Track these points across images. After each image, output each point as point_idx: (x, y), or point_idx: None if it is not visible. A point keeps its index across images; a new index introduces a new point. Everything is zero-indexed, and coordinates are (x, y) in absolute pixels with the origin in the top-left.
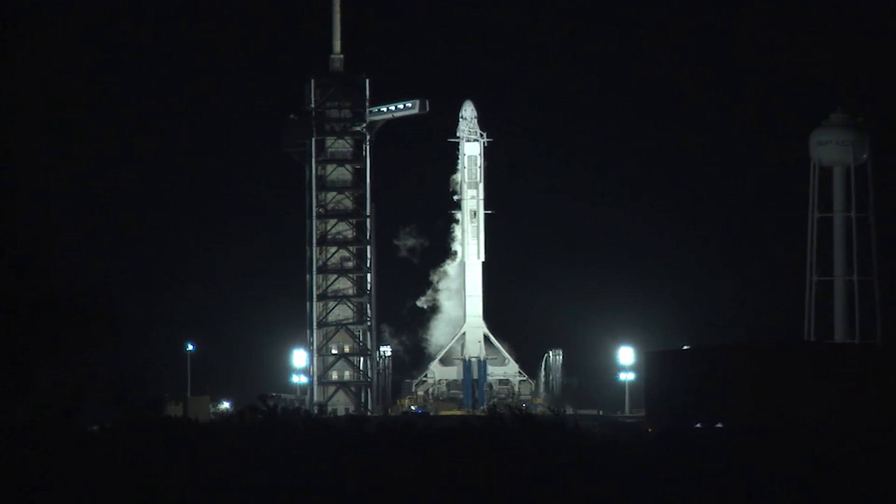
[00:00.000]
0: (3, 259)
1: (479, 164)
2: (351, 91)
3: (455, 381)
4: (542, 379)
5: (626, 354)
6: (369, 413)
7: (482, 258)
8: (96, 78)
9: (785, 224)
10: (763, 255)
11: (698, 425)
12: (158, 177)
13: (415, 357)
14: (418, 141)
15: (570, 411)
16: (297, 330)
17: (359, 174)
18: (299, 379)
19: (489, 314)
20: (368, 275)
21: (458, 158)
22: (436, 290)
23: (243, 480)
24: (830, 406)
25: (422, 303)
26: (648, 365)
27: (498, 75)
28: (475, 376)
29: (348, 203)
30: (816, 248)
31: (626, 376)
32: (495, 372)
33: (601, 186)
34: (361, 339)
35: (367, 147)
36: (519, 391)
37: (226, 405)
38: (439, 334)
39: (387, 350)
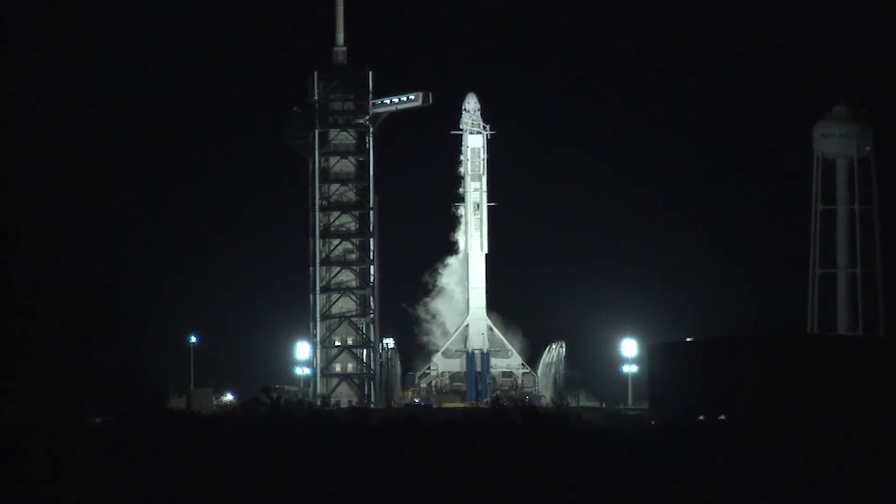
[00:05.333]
0: (6, 252)
1: (482, 157)
2: (354, 83)
3: (458, 373)
4: (541, 370)
5: (629, 346)
6: (372, 405)
7: (485, 250)
8: (98, 70)
9: (788, 216)
10: (766, 248)
11: (701, 418)
12: (161, 170)
13: (407, 355)
14: (422, 133)
15: (573, 403)
16: (300, 322)
17: (362, 166)
18: (302, 371)
19: (492, 306)
20: (371, 267)
21: (461, 151)
22: (429, 294)
23: (247, 472)
24: (833, 398)
25: (413, 309)
26: (651, 357)
27: (501, 68)
28: (478, 368)
29: (351, 195)
30: (819, 241)
31: (629, 368)
32: (498, 364)
33: (604, 179)
34: (364, 331)
35: (371, 139)
36: (522, 383)
37: (229, 397)
38: (440, 323)
39: (390, 342)
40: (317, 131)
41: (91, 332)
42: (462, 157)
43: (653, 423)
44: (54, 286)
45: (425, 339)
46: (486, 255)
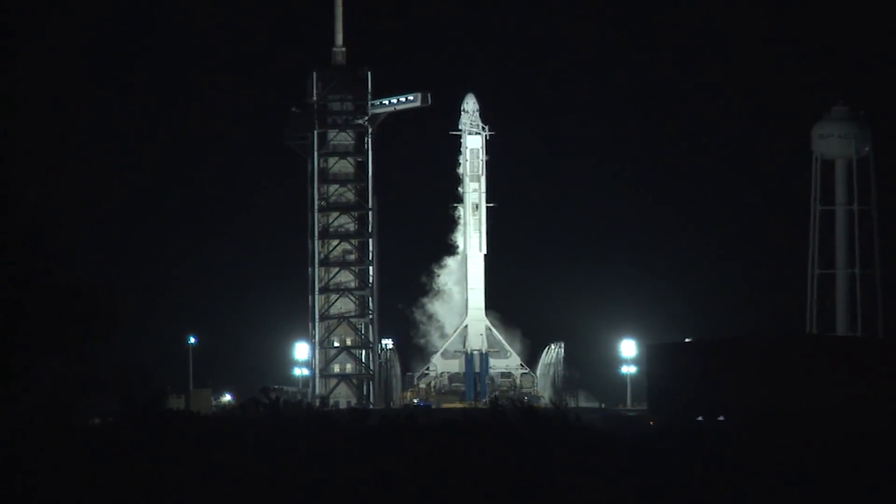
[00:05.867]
0: (4, 253)
1: (480, 158)
2: (353, 84)
3: (457, 373)
4: (540, 371)
5: (627, 347)
6: (371, 406)
7: (484, 251)
8: (97, 70)
9: (787, 217)
10: (765, 248)
11: (700, 419)
12: (161, 170)
13: (406, 356)
14: (420, 134)
15: (572, 404)
16: (299, 323)
17: (361, 167)
18: (301, 372)
19: (491, 307)
20: (370, 268)
21: (460, 151)
22: (427, 295)
23: (245, 472)
24: (832, 399)
25: (410, 310)
26: (650, 358)
27: (500, 68)
28: (477, 369)
29: (350, 196)
30: (818, 241)
31: (628, 369)
32: (497, 365)
33: (603, 179)
34: (363, 331)
35: (369, 140)
36: (521, 384)
37: (228, 398)
38: (439, 324)
39: (388, 343)
40: (315, 132)
41: (89, 332)
42: (461, 158)
43: (651, 423)
44: (53, 286)
45: (423, 340)
46: (485, 255)
